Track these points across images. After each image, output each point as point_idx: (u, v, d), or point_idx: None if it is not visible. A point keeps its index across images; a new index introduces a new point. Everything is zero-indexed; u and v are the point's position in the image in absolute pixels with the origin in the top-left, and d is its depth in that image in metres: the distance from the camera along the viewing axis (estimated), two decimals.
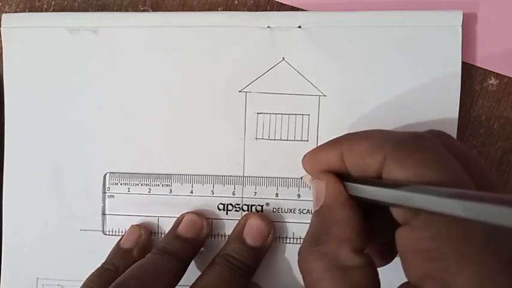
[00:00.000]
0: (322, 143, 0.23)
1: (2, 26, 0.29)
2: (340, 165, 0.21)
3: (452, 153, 0.19)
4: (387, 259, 0.23)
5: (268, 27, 0.28)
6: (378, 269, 0.19)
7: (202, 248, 0.28)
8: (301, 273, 0.20)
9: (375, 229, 0.22)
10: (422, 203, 0.16)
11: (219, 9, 0.29)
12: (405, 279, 0.18)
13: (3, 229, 0.29)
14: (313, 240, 0.20)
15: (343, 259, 0.19)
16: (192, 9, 0.29)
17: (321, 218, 0.21)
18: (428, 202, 0.16)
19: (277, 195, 0.28)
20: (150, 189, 0.29)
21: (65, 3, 0.30)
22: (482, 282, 0.15)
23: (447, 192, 0.15)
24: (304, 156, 0.24)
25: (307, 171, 0.24)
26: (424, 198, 0.16)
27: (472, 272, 0.15)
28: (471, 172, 0.18)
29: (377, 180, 0.19)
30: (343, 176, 0.21)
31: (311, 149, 0.24)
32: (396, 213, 0.18)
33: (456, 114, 0.27)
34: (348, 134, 0.22)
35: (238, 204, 0.28)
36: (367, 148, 0.19)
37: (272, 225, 0.27)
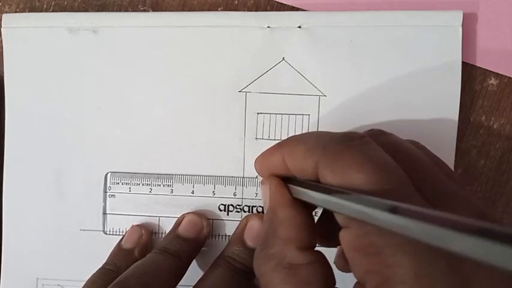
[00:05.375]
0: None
1: (2, 26, 0.29)
2: (284, 168, 0.21)
3: (393, 152, 0.18)
4: None
5: (268, 27, 0.28)
6: None
7: (203, 248, 0.28)
8: (257, 277, 0.20)
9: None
10: (349, 211, 0.16)
11: (219, 9, 0.29)
12: None
13: (3, 229, 0.29)
14: (263, 244, 0.20)
15: (289, 258, 0.19)
16: (192, 9, 0.29)
17: (267, 220, 0.21)
18: (353, 210, 0.16)
19: None
20: (151, 189, 0.29)
21: (65, 3, 0.30)
22: (419, 270, 0.15)
23: (371, 201, 0.15)
24: (255, 159, 0.24)
25: (258, 173, 0.24)
26: (350, 207, 0.16)
27: (409, 262, 0.15)
28: (414, 171, 0.18)
29: (315, 184, 0.19)
30: (290, 179, 0.21)
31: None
32: (337, 215, 0.18)
33: (456, 114, 0.27)
34: (291, 136, 0.22)
35: (239, 205, 0.28)
36: (303, 152, 0.19)
37: None
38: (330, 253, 0.20)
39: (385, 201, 0.15)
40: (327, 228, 0.21)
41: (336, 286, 0.19)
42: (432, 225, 0.13)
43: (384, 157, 0.18)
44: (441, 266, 0.15)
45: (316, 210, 0.25)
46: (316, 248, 0.20)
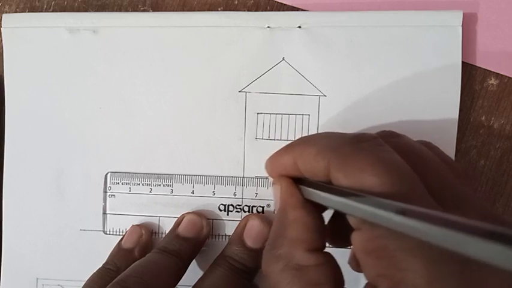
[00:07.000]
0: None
1: (2, 26, 0.29)
2: (295, 170, 0.21)
3: (404, 154, 0.18)
4: None
5: (268, 27, 0.28)
6: None
7: (203, 248, 0.28)
8: (265, 276, 0.20)
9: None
10: (361, 213, 0.16)
11: (219, 9, 0.29)
12: None
13: (3, 229, 0.29)
14: (272, 244, 0.20)
15: (297, 259, 0.19)
16: (192, 9, 0.29)
17: (277, 221, 0.21)
18: (364, 212, 0.16)
19: None
20: (151, 189, 0.29)
21: (65, 3, 0.30)
22: (432, 275, 0.15)
23: (383, 204, 0.15)
24: (266, 160, 0.24)
25: (268, 175, 0.24)
26: (362, 209, 0.16)
27: (421, 266, 0.15)
28: (425, 173, 0.18)
29: (327, 186, 0.19)
30: (302, 180, 0.21)
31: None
32: (349, 217, 0.18)
33: (456, 114, 0.27)
34: (302, 137, 0.22)
35: (239, 205, 0.28)
36: (314, 154, 0.19)
37: None
38: (339, 253, 0.20)
39: (396, 203, 0.15)
40: (339, 229, 0.21)
41: (344, 287, 0.19)
42: (442, 227, 0.13)
43: (396, 159, 0.18)
44: (454, 270, 0.15)
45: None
46: (328, 249, 0.20)
